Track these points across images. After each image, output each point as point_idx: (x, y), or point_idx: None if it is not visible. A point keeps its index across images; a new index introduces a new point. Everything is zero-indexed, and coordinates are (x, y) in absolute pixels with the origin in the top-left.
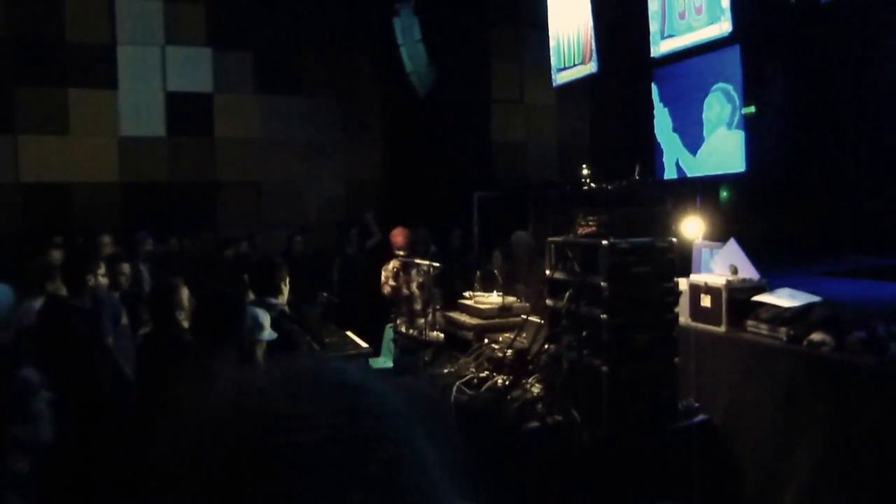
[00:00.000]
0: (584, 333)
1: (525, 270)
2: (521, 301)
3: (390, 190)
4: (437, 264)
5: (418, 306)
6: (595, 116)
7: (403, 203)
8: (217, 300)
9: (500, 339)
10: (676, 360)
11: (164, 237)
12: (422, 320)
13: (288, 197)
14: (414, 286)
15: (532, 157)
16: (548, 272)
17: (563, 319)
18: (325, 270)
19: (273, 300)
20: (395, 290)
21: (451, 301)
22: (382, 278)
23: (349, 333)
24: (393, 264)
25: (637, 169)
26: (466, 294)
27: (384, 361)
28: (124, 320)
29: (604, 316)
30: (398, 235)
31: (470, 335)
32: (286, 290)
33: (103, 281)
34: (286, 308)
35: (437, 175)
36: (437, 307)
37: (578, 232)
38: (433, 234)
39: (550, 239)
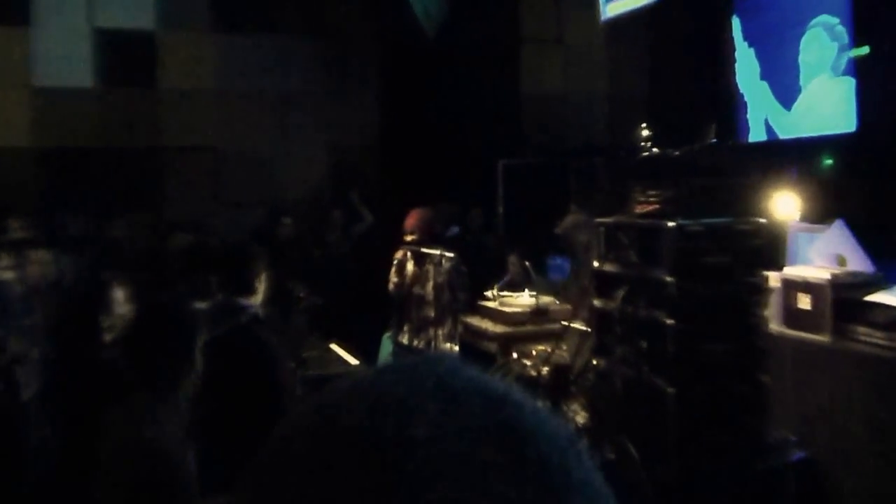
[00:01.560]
0: (642, 344)
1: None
2: (560, 302)
3: (389, 159)
4: (449, 254)
5: (431, 312)
6: (656, 60)
7: (406, 176)
8: (164, 309)
9: (534, 352)
10: (765, 378)
11: (93, 220)
12: (435, 330)
13: (254, 168)
14: (429, 286)
15: (574, 115)
16: (595, 264)
17: (616, 326)
18: (305, 263)
19: (244, 301)
20: (399, 287)
21: (469, 302)
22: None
23: (334, 346)
24: (399, 254)
25: (712, 129)
26: (489, 294)
27: None
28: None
29: (669, 321)
30: (410, 217)
31: (493, 347)
32: (262, 287)
33: (8, 275)
34: (260, 312)
35: (449, 139)
36: (460, 313)
37: (636, 211)
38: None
39: (599, 220)
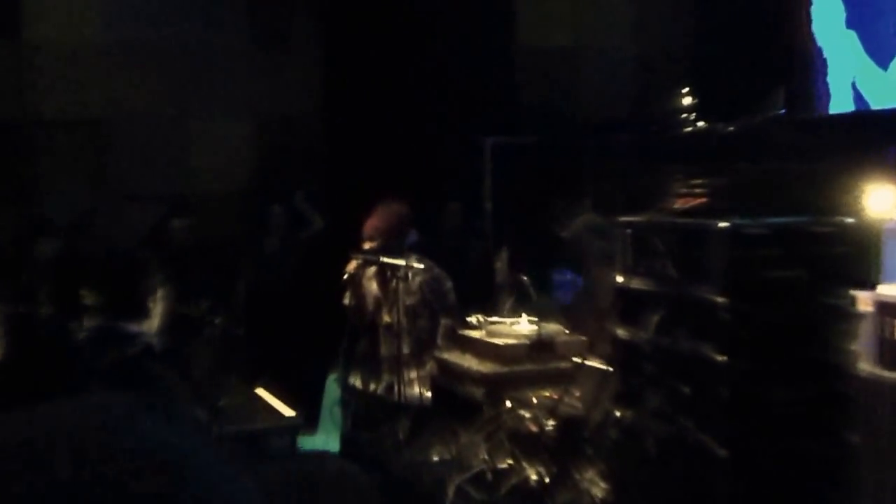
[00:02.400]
0: (683, 389)
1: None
2: (570, 332)
3: (339, 137)
4: (419, 266)
5: (398, 345)
6: (703, 5)
7: (362, 160)
8: (24, 339)
9: (534, 399)
10: (851, 436)
11: None
12: (403, 370)
13: (153, 147)
14: (395, 309)
15: (588, 78)
16: (618, 279)
17: (647, 364)
18: (224, 279)
19: (131, 327)
20: (353, 311)
21: (452, 329)
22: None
23: (262, 392)
24: (352, 266)
25: (779, 96)
26: (472, 320)
27: (325, 440)
28: None
29: (720, 358)
30: (372, 216)
31: (479, 392)
32: (159, 310)
33: None
34: (155, 342)
35: (420, 111)
36: (435, 347)
37: (674, 207)
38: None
39: (623, 220)
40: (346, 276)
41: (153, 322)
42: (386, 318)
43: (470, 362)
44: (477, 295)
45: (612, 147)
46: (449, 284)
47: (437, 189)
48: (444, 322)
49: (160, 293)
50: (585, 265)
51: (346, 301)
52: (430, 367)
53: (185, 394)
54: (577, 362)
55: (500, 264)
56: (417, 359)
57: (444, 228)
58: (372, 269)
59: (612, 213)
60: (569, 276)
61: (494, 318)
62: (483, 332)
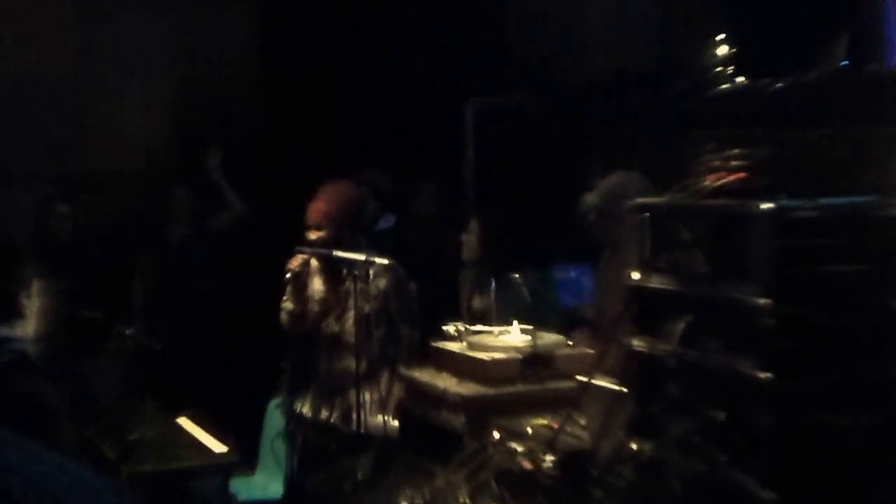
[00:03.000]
0: (717, 416)
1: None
2: (573, 343)
3: (278, 99)
4: (383, 260)
5: (353, 361)
6: None
7: (307, 127)
8: None
9: (529, 429)
10: None
11: None
12: (361, 393)
13: (33, 114)
14: (350, 317)
15: (595, 24)
16: (634, 276)
17: (670, 384)
18: (124, 277)
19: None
20: (297, 319)
21: (420, 342)
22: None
23: (185, 422)
24: (296, 262)
25: (840, 45)
26: (450, 329)
27: (265, 481)
28: None
29: (763, 375)
30: (318, 199)
31: (458, 421)
32: (36, 308)
33: None
34: (32, 348)
35: (382, 64)
36: (402, 364)
37: (704, 185)
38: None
39: (640, 203)
40: (288, 276)
41: (27, 324)
42: (336, 328)
43: (447, 383)
44: (456, 294)
45: (625, 111)
46: (413, 286)
47: (404, 165)
48: (412, 332)
49: (36, 287)
50: (608, 249)
51: (289, 307)
52: (397, 389)
53: (69, 410)
54: (582, 382)
55: (469, 237)
56: (380, 379)
57: (414, 215)
58: (321, 267)
59: (628, 192)
60: (572, 274)
61: (478, 328)
62: (464, 344)
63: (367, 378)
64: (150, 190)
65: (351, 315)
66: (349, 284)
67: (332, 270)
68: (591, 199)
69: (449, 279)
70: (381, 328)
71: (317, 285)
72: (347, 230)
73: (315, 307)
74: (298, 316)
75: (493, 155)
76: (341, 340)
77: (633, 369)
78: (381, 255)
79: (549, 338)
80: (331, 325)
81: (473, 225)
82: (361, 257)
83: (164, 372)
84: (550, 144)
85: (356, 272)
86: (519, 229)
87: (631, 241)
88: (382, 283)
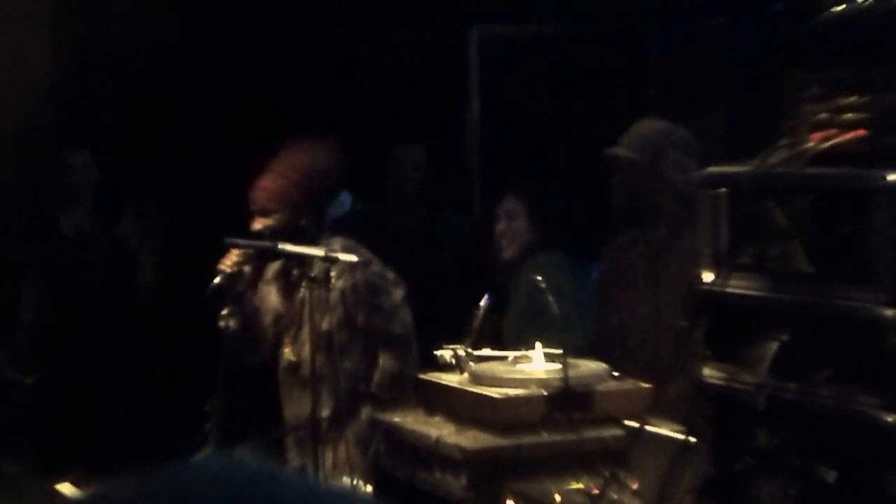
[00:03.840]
0: (825, 475)
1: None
2: (617, 374)
3: (202, 31)
4: (351, 257)
5: (313, 401)
6: None
7: (247, 71)
8: None
9: (557, 496)
10: None
11: None
12: (323, 445)
13: None
14: (306, 339)
15: None
16: (705, 277)
17: (758, 429)
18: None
19: None
20: (240, 338)
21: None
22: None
23: (65, 488)
24: (229, 262)
25: None
26: (444, 354)
27: None
28: None
29: (891, 417)
30: (266, 175)
31: (457, 484)
32: None
33: None
34: None
35: None
36: (377, 404)
37: (806, 147)
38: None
39: (710, 171)
40: (219, 280)
41: None
42: (296, 356)
43: (441, 430)
44: (456, 310)
45: (693, 42)
46: (399, 292)
47: (386, 122)
48: (391, 360)
49: None
50: (632, 240)
51: (222, 323)
52: (372, 438)
53: None
54: (633, 428)
55: (513, 224)
56: (349, 427)
57: (397, 191)
58: (267, 267)
59: (694, 156)
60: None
61: (485, 352)
62: (465, 376)
63: (331, 426)
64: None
65: (304, 333)
66: (303, 290)
67: (282, 271)
68: (619, 150)
69: (446, 284)
70: (349, 353)
71: (272, 298)
72: (309, 215)
73: (270, 329)
74: (239, 336)
75: (507, 105)
76: (298, 373)
77: (706, 410)
78: (345, 244)
79: (586, 366)
80: (285, 353)
81: (513, 206)
82: (318, 252)
83: (39, 417)
84: (586, 91)
85: (311, 274)
86: (543, 209)
87: (698, 224)
88: (348, 285)
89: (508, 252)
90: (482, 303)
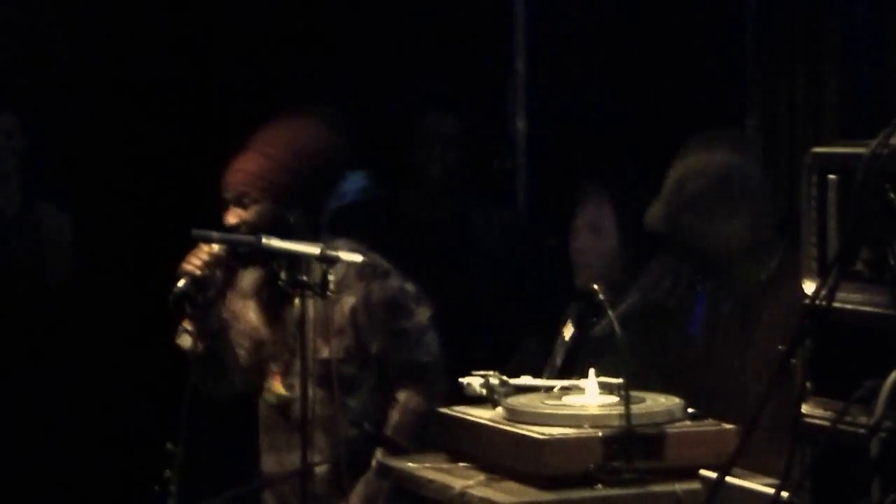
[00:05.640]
0: None
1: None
2: (698, 411)
3: None
4: (355, 258)
5: (281, 456)
6: None
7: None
8: None
9: None
10: None
11: None
12: None
13: None
14: (298, 375)
15: None
16: (808, 288)
17: (875, 482)
18: None
19: None
20: (216, 370)
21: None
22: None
23: None
24: (196, 260)
25: None
26: (474, 381)
27: None
28: None
29: None
30: (250, 154)
31: None
32: None
33: None
34: None
35: None
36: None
37: None
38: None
39: (817, 151)
40: (183, 284)
41: None
42: (282, 387)
43: (469, 481)
44: (493, 331)
45: None
46: (425, 312)
47: (411, 86)
48: (415, 397)
49: None
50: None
51: (179, 341)
52: (378, 491)
53: None
54: (712, 479)
55: (585, 249)
56: (350, 479)
57: (422, 174)
58: (245, 272)
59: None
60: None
61: (525, 380)
62: (500, 410)
63: (328, 481)
64: None
65: (300, 359)
66: (295, 305)
67: (267, 278)
68: (651, 218)
69: (483, 299)
70: (356, 390)
71: (250, 316)
72: (300, 207)
73: (246, 354)
74: (217, 367)
75: (560, 67)
76: (288, 413)
77: (806, 457)
78: (351, 247)
79: (655, 400)
80: (273, 387)
81: (601, 215)
82: (314, 250)
83: None
84: (664, 52)
85: (304, 278)
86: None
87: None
88: (353, 299)
89: (585, 279)
90: (567, 332)
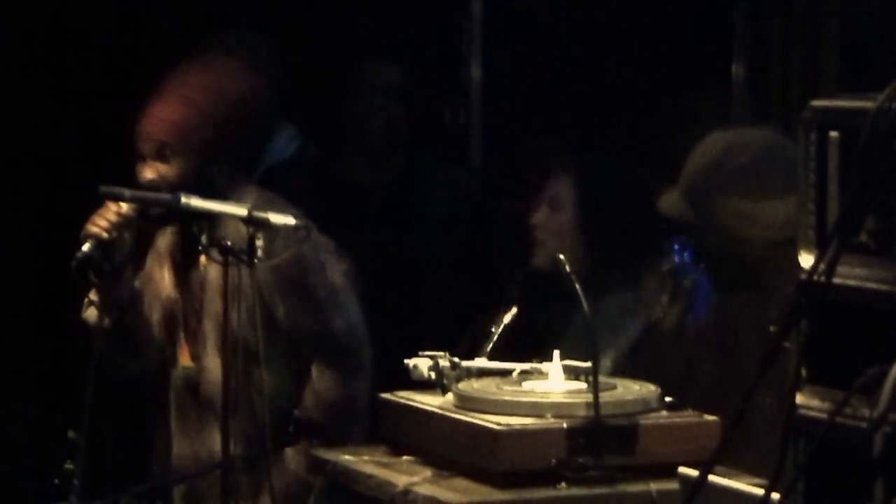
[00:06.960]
0: None
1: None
2: (680, 400)
3: None
4: (286, 220)
5: (201, 441)
6: None
7: None
8: None
9: None
10: None
11: None
12: None
13: None
14: (208, 346)
15: None
16: (805, 262)
17: (878, 485)
18: None
19: None
20: (123, 343)
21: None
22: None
23: None
24: (102, 221)
25: None
26: (422, 362)
27: None
28: None
29: None
30: (167, 98)
31: None
32: None
33: None
34: None
35: None
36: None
37: None
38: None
39: (817, 105)
40: (88, 248)
41: None
42: (188, 360)
43: (413, 477)
44: (442, 306)
45: None
46: (340, 269)
47: (352, 30)
48: (328, 375)
49: None
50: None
51: (86, 314)
52: (309, 487)
53: None
54: (691, 477)
55: (545, 225)
56: (272, 467)
57: (360, 130)
58: (161, 235)
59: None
60: (688, 261)
61: (480, 362)
62: (450, 397)
63: (247, 469)
64: None
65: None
66: (212, 270)
67: (183, 241)
68: (666, 203)
69: (429, 271)
70: (271, 363)
71: (164, 281)
72: (223, 162)
73: (159, 327)
74: (129, 341)
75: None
76: (198, 392)
77: (799, 454)
78: (282, 209)
79: (627, 388)
80: (180, 361)
81: (561, 190)
82: (241, 211)
83: None
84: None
85: (228, 243)
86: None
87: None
88: (284, 263)
89: (541, 256)
90: (506, 317)
